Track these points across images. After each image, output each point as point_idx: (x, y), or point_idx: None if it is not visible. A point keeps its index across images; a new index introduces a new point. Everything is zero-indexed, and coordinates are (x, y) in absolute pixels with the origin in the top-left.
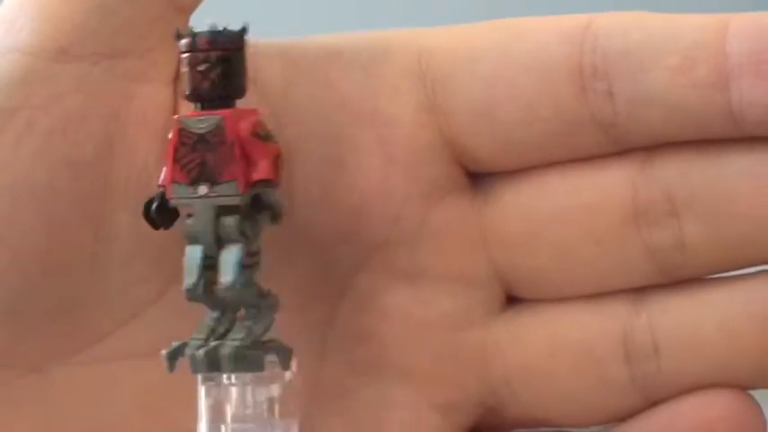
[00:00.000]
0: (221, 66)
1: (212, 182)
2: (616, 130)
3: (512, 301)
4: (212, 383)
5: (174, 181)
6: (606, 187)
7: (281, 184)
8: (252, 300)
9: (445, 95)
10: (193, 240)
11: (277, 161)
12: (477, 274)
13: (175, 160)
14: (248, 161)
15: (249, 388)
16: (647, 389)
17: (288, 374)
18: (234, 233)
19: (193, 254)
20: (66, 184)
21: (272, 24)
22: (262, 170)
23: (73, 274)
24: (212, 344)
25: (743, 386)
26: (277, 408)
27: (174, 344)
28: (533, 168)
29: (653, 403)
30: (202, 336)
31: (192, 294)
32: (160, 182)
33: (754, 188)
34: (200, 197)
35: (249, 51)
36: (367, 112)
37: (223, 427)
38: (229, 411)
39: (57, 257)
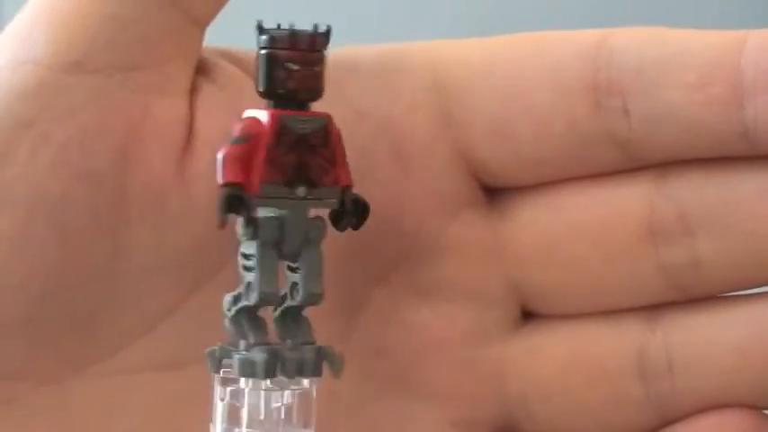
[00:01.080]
0: (319, 67)
1: (311, 185)
2: (631, 147)
3: (527, 316)
4: (230, 386)
5: (266, 180)
6: (621, 204)
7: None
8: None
9: (461, 109)
10: (268, 243)
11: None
12: (494, 290)
13: (269, 159)
14: (344, 166)
15: (265, 393)
16: (661, 407)
17: (306, 382)
18: (321, 237)
19: (271, 258)
20: (81, 196)
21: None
22: (348, 176)
23: (89, 286)
24: (309, 348)
25: (757, 406)
26: (294, 415)
27: (259, 355)
28: (549, 184)
29: (667, 421)
30: (262, 342)
31: (268, 300)
32: (231, 178)
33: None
34: (296, 199)
35: None
36: (383, 125)
37: (237, 431)
38: (245, 416)
39: (73, 270)
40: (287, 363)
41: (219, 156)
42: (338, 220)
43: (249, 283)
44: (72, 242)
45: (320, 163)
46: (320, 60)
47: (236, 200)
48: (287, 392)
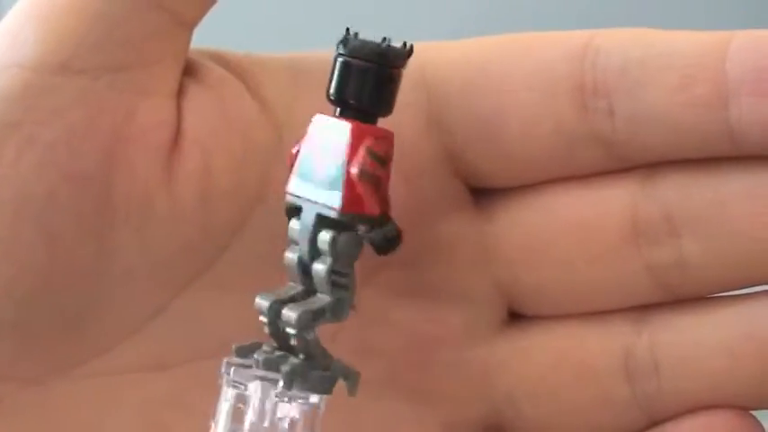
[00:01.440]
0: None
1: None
2: (616, 148)
3: (515, 317)
4: (239, 390)
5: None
6: (606, 205)
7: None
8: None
9: (449, 109)
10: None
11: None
12: (481, 290)
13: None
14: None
15: (273, 403)
16: (648, 407)
17: (314, 398)
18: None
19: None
20: (67, 198)
21: (270, 32)
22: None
23: (75, 288)
24: (278, 353)
25: (743, 407)
26: (299, 428)
27: (295, 361)
28: (535, 185)
29: (655, 422)
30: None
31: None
32: (384, 208)
33: (754, 208)
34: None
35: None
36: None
37: None
38: (248, 421)
39: (59, 272)
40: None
41: (373, 174)
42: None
43: (342, 300)
44: (58, 244)
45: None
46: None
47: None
48: (295, 405)
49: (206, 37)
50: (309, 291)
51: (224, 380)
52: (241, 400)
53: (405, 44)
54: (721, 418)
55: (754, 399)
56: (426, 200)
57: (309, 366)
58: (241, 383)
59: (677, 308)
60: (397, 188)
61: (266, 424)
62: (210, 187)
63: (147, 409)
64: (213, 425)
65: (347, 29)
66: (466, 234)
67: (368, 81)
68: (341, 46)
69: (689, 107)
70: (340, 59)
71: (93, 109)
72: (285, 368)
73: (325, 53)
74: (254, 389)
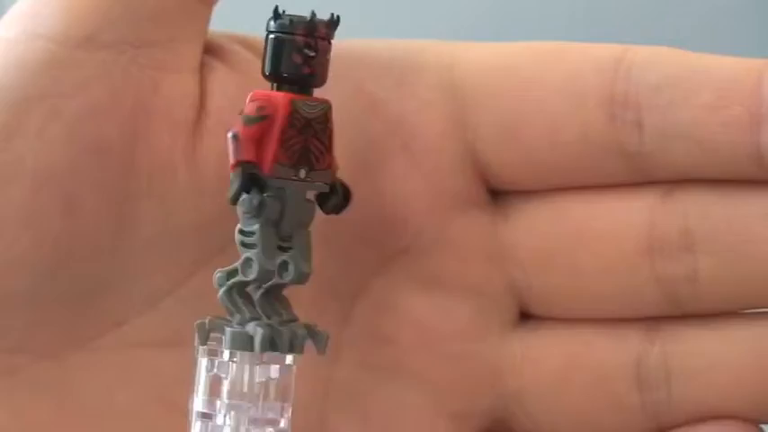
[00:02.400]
0: (328, 54)
1: (310, 167)
2: (641, 161)
3: (526, 317)
4: (214, 358)
5: (278, 161)
6: (624, 216)
7: None
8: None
9: (474, 110)
10: (269, 222)
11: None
12: (493, 287)
13: (282, 140)
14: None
15: (249, 367)
16: (656, 415)
17: (289, 358)
18: (309, 219)
19: (270, 237)
20: (89, 170)
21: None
22: (335, 161)
23: (93, 259)
24: (251, 324)
25: (750, 420)
26: (273, 390)
27: (259, 330)
28: (554, 190)
29: (660, 429)
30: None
31: (265, 278)
32: (248, 158)
33: None
34: (298, 180)
35: None
36: (395, 118)
37: (218, 402)
38: (226, 387)
39: (78, 243)
40: (282, 338)
41: (232, 134)
42: (324, 202)
43: (248, 259)
44: (79, 215)
45: (319, 147)
46: (330, 49)
47: (252, 178)
48: (274, 367)
49: (230, 23)
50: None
51: (200, 351)
52: (220, 368)
53: (332, 15)
54: (728, 428)
55: (760, 412)
56: (445, 196)
57: (226, 323)
58: (217, 351)
59: (689, 321)
60: (414, 182)
61: (245, 389)
62: None
63: (158, 384)
64: (192, 397)
65: (276, 6)
66: (482, 232)
67: (307, 54)
68: (270, 23)
69: (721, 126)
70: (271, 36)
71: (116, 82)
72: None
73: (349, 42)
74: (231, 355)
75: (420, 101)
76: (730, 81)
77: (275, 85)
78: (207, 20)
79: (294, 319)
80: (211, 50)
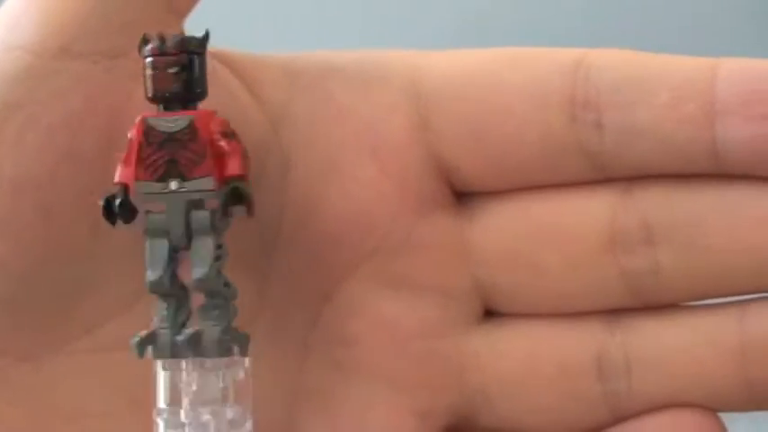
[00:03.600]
0: (189, 69)
1: (183, 178)
2: (601, 159)
3: (490, 314)
4: (172, 369)
5: (137, 178)
6: (586, 213)
7: (250, 179)
8: (219, 289)
9: (438, 115)
10: (157, 234)
11: (245, 158)
12: (458, 286)
13: (140, 159)
14: (220, 158)
15: (209, 373)
16: (617, 405)
17: (247, 361)
18: (206, 226)
19: (160, 247)
20: (66, 177)
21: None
22: (235, 167)
23: (69, 265)
24: (189, 331)
25: (707, 408)
26: (232, 393)
27: (142, 332)
28: (518, 190)
29: (621, 419)
30: (167, 325)
31: (157, 287)
32: (117, 179)
33: (729, 224)
34: (170, 192)
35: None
36: (363, 125)
37: (182, 411)
38: (187, 396)
39: (55, 249)
40: (175, 342)
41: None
42: (224, 208)
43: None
44: (56, 221)
45: (190, 157)
46: (193, 62)
47: (109, 201)
48: (222, 373)
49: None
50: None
51: (158, 365)
52: (177, 378)
53: (206, 32)
54: (687, 416)
55: (718, 400)
56: (411, 199)
57: (226, 333)
58: (174, 364)
59: (649, 313)
60: (382, 186)
61: (207, 395)
62: None
63: (132, 387)
64: (155, 411)
65: (144, 34)
66: (447, 233)
67: (182, 72)
68: (142, 48)
69: (677, 124)
70: (147, 60)
71: (91, 92)
72: (181, 339)
73: (320, 54)
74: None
75: (386, 107)
76: (685, 79)
77: (161, 106)
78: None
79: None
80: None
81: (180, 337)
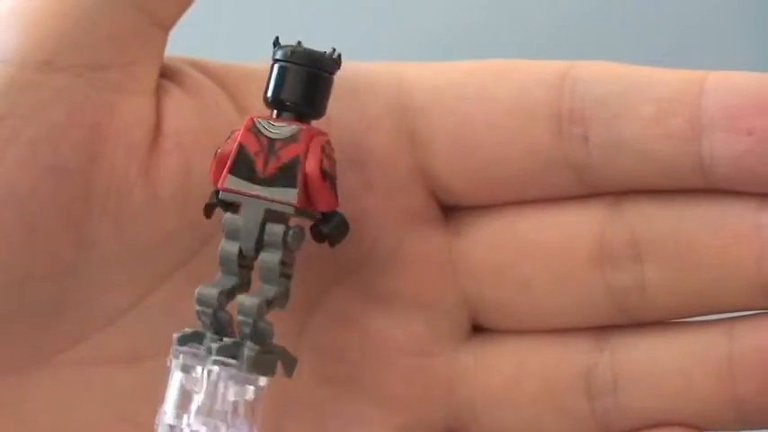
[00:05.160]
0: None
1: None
2: (588, 174)
3: (478, 329)
4: (189, 374)
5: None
6: (573, 228)
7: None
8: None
9: (424, 128)
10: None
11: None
12: (446, 301)
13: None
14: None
15: (223, 384)
16: (604, 422)
17: (263, 380)
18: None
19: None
20: (48, 191)
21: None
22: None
23: (52, 278)
24: (229, 341)
25: (696, 426)
26: (242, 410)
27: (189, 330)
28: (505, 204)
29: None
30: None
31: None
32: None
33: (716, 240)
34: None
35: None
36: (348, 138)
37: (186, 417)
38: (196, 403)
39: (38, 263)
40: (266, 360)
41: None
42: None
43: (286, 290)
44: (39, 235)
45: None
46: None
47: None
48: (249, 388)
49: (194, 45)
50: (244, 282)
51: (173, 365)
52: (190, 384)
53: (333, 50)
54: None
55: (706, 418)
56: (398, 213)
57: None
58: (191, 367)
59: (637, 330)
60: (368, 200)
61: (216, 407)
62: (190, 185)
63: (116, 400)
64: (163, 409)
65: (276, 37)
66: (434, 247)
67: (305, 84)
68: (278, 51)
69: (663, 138)
70: (279, 64)
71: (74, 105)
72: (249, 354)
73: None
74: (202, 373)
75: (371, 121)
76: (672, 93)
77: (275, 112)
78: (163, 43)
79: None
80: (167, 74)
81: (216, 345)
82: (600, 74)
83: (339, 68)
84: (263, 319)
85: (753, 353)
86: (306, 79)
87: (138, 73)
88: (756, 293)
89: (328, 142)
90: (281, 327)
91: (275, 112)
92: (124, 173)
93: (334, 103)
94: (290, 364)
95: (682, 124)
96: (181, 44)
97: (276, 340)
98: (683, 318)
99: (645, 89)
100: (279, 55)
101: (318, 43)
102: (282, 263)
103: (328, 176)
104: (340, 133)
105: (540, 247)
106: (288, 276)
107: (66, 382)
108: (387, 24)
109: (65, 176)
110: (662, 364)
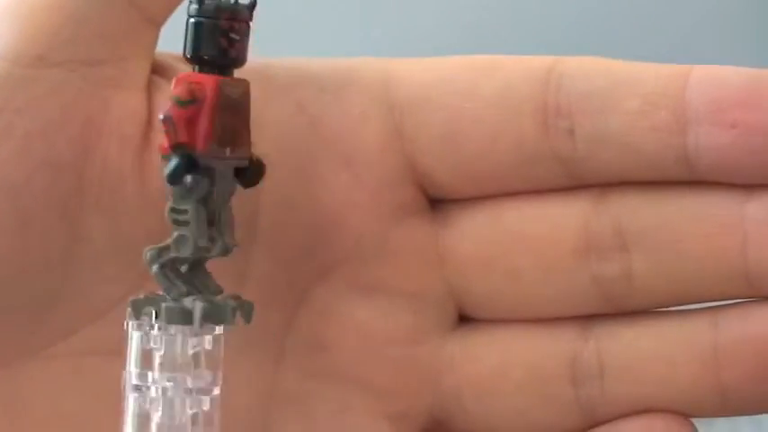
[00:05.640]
0: (248, 37)
1: (234, 145)
2: (574, 166)
3: (465, 320)
4: (143, 331)
5: (210, 141)
6: (559, 219)
7: None
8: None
9: (411, 123)
10: (202, 200)
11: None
12: (433, 292)
13: (213, 121)
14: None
15: (182, 339)
16: (590, 410)
17: (218, 329)
18: (231, 194)
19: (203, 213)
20: (42, 185)
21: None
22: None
23: (45, 272)
24: (188, 299)
25: (679, 413)
26: (203, 360)
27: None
28: (492, 197)
29: (595, 423)
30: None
31: (200, 253)
32: (183, 139)
33: (700, 230)
34: (225, 158)
35: None
36: (335, 133)
37: (150, 374)
38: (158, 360)
39: (31, 256)
40: (220, 310)
41: (165, 115)
42: (241, 177)
43: (182, 236)
44: (31, 229)
45: (240, 124)
46: (250, 31)
47: (189, 159)
48: (207, 338)
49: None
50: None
51: (131, 326)
52: (147, 342)
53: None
54: (660, 421)
55: (691, 405)
56: (385, 207)
57: (162, 299)
58: (143, 326)
59: (622, 318)
60: (355, 193)
61: (178, 360)
62: None
63: (107, 391)
64: (125, 373)
65: None
66: (422, 240)
67: (233, 39)
68: (191, 7)
69: (649, 131)
70: (192, 20)
71: (68, 100)
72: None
73: (292, 60)
74: (172, 329)
75: (357, 115)
76: (657, 86)
77: (197, 66)
78: (154, 39)
79: (220, 291)
80: (158, 69)
81: (169, 304)
82: (585, 68)
83: (252, 16)
84: (202, 271)
85: (737, 341)
86: (217, 32)
87: (130, 68)
88: (740, 283)
89: (227, 83)
90: (268, 322)
91: (196, 67)
92: (117, 167)
93: (322, 98)
94: (247, 309)
95: (667, 117)
96: (173, 41)
97: (263, 335)
98: (669, 306)
99: (630, 83)
100: (194, 11)
101: (317, 43)
102: (171, 209)
103: (166, 119)
104: (326, 129)
105: (527, 238)
106: (182, 223)
107: (58, 373)
108: (384, 24)
109: (59, 170)
110: (647, 351)
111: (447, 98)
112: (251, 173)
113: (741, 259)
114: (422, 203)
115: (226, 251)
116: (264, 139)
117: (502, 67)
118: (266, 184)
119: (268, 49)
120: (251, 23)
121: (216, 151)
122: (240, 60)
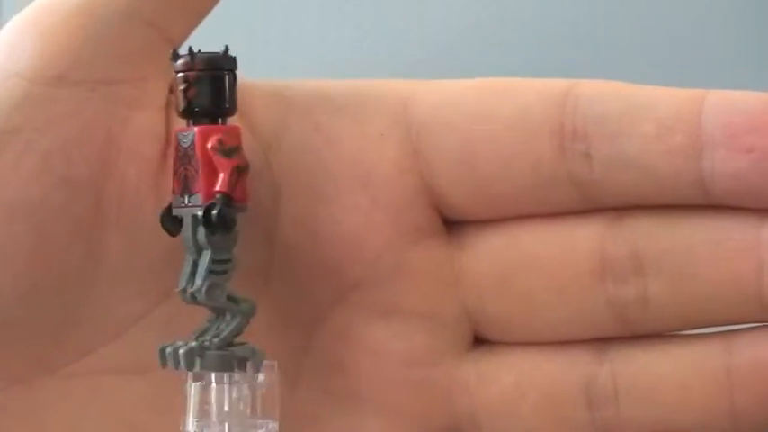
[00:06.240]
0: (213, 85)
1: (189, 193)
2: (590, 189)
3: (480, 341)
4: (200, 382)
5: (174, 192)
6: (575, 242)
7: (247, 197)
8: (221, 304)
9: (428, 145)
10: (185, 249)
11: (236, 174)
12: (448, 314)
13: (174, 172)
14: (212, 174)
15: (225, 387)
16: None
17: (260, 376)
18: (204, 242)
19: (186, 261)
20: (60, 203)
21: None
22: (220, 183)
23: (64, 290)
24: (192, 343)
25: None
26: (259, 408)
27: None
28: (508, 219)
29: None
30: (193, 336)
31: (183, 298)
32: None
33: (715, 254)
34: (184, 207)
35: (243, 85)
36: (353, 155)
37: (205, 427)
38: (214, 410)
39: (49, 274)
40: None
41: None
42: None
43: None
44: (50, 247)
45: (192, 173)
46: (218, 78)
47: (163, 214)
48: (245, 386)
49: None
50: None
51: (189, 377)
52: (203, 393)
53: (227, 48)
54: None
55: (704, 429)
56: (402, 228)
57: (205, 348)
58: (202, 377)
59: (637, 342)
60: (372, 215)
61: (229, 409)
62: None
63: (124, 410)
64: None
65: (173, 49)
66: (437, 261)
67: (206, 88)
68: (173, 63)
69: (665, 155)
70: (178, 76)
71: (87, 119)
72: (181, 351)
73: (311, 82)
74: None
75: (376, 137)
76: (672, 110)
77: (190, 121)
78: None
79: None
80: (175, 89)
81: (181, 350)
82: (602, 92)
83: (236, 65)
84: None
85: (750, 365)
86: (204, 84)
87: (149, 88)
88: (754, 307)
89: (227, 137)
90: (284, 344)
91: (191, 121)
92: (135, 186)
93: (340, 119)
94: (257, 358)
95: (682, 141)
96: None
97: (280, 356)
98: (683, 330)
99: (646, 107)
100: (178, 66)
101: (318, 48)
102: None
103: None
104: (344, 150)
105: (542, 260)
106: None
107: (75, 392)
108: (384, 24)
109: (77, 188)
110: (661, 375)
111: (464, 120)
112: (205, 220)
113: (756, 284)
114: (438, 225)
115: (197, 294)
116: (282, 159)
117: (518, 90)
118: (285, 203)
119: (268, 55)
120: (222, 70)
121: (179, 201)
122: (199, 108)
